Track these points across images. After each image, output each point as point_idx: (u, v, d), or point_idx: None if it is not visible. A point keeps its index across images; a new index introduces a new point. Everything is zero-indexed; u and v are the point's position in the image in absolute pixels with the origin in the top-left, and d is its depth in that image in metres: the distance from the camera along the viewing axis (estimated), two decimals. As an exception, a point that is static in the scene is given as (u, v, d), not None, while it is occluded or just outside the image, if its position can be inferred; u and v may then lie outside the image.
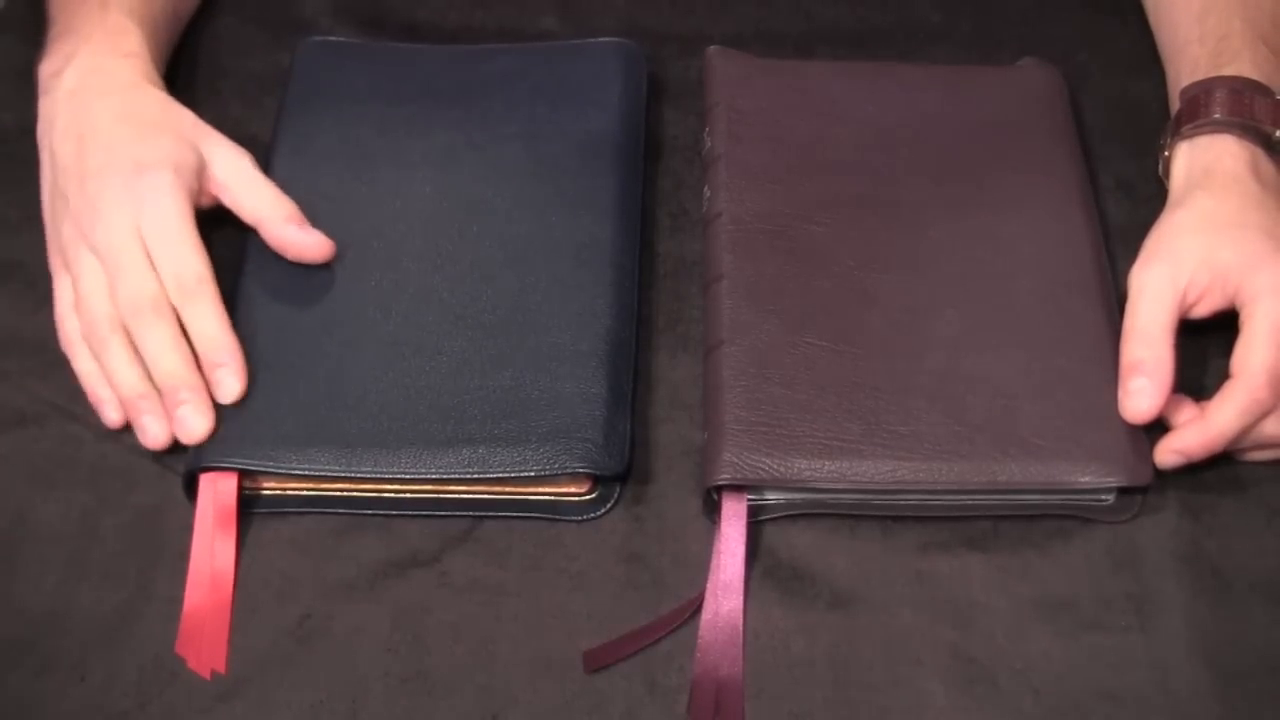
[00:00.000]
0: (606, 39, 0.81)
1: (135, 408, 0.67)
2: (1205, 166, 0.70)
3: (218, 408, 0.66)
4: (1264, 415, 0.64)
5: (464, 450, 0.65)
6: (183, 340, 0.67)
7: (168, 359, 0.67)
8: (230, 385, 0.66)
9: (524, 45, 0.82)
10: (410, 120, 0.77)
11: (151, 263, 0.68)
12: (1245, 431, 0.65)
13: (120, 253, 0.67)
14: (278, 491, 0.67)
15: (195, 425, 0.66)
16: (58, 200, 0.71)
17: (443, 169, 0.75)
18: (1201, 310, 0.67)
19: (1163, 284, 0.66)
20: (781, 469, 0.64)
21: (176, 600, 0.63)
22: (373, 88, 0.79)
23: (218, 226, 0.77)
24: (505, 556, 0.65)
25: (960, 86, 0.78)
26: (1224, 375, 0.65)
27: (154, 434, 0.67)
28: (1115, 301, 0.69)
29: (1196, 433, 0.64)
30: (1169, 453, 0.65)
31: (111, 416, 0.68)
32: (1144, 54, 0.81)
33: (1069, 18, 0.87)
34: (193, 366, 0.67)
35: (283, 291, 0.70)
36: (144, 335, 0.67)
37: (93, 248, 0.68)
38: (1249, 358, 0.64)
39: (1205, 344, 0.69)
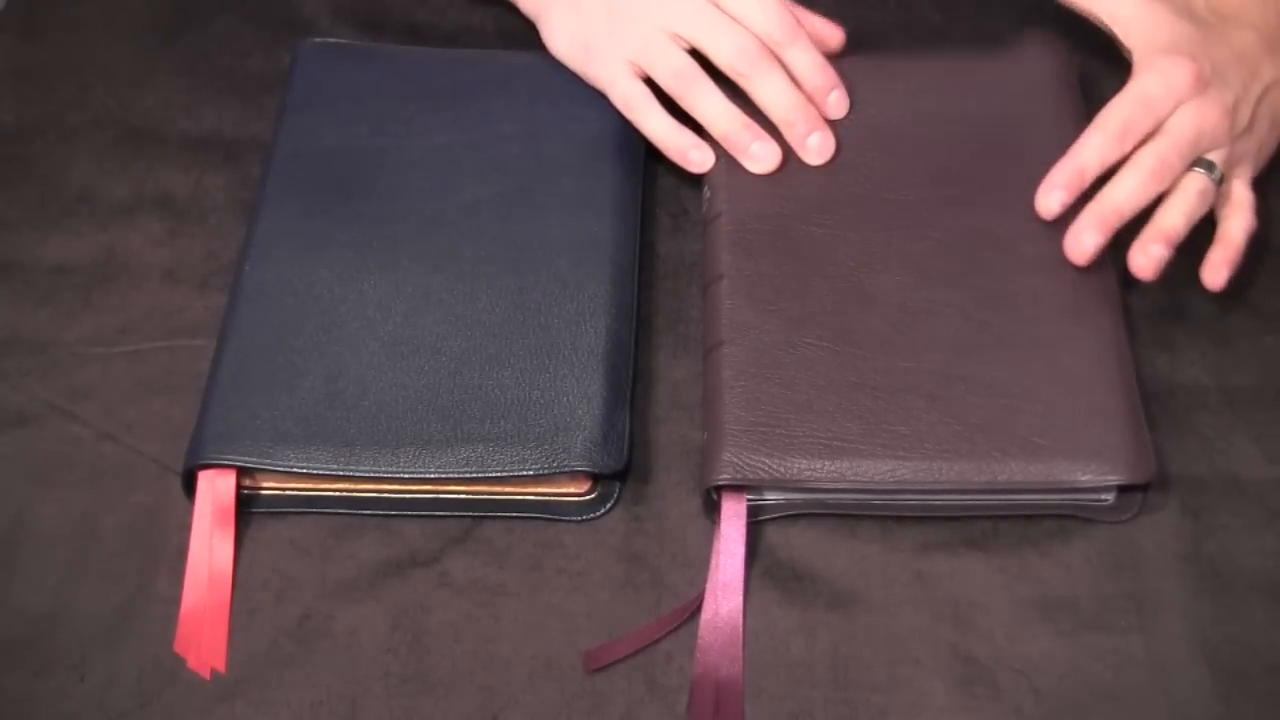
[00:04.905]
0: None
1: (740, 138, 0.74)
2: None
3: (217, 406, 0.66)
4: (1135, 138, 0.68)
5: (463, 449, 0.65)
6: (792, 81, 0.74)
7: (790, 96, 0.74)
8: (842, 103, 0.75)
9: (524, 52, 0.81)
10: (410, 120, 0.77)
11: None
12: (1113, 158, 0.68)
13: (708, 18, 0.74)
14: (277, 491, 0.67)
15: (825, 147, 0.74)
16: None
17: (442, 169, 0.75)
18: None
19: None
20: (781, 469, 0.64)
21: (176, 600, 0.63)
22: (372, 88, 0.79)
23: (217, 225, 0.77)
24: (505, 557, 0.65)
25: (961, 82, 0.78)
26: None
27: (764, 158, 0.74)
28: (1118, 300, 0.69)
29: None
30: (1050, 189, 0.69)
31: (699, 159, 0.75)
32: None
33: (1070, 17, 0.86)
34: (807, 100, 0.74)
35: (283, 290, 0.70)
36: (761, 79, 0.74)
37: (672, 32, 0.74)
38: (1131, 85, 0.69)
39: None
